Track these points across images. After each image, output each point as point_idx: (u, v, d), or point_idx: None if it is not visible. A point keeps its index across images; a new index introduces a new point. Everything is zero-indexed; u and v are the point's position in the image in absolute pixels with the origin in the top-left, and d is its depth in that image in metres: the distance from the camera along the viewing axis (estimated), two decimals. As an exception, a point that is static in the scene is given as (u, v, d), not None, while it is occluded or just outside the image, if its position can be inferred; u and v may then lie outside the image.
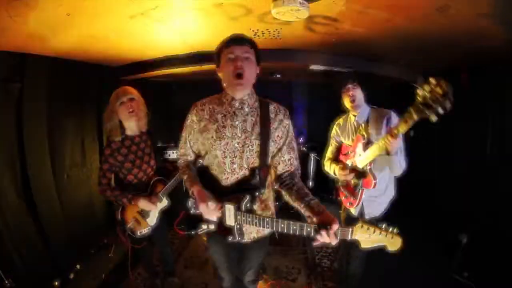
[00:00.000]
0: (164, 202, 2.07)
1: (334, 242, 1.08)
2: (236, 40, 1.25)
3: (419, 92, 1.19)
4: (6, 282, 1.87)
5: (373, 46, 2.36)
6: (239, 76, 1.22)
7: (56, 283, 2.23)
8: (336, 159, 2.10)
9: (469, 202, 2.69)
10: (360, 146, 1.82)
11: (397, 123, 1.44)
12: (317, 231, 1.09)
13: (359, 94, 1.87)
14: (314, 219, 1.13)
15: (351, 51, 2.62)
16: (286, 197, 1.32)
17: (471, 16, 1.58)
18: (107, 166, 1.96)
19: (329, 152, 2.16)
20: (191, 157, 1.46)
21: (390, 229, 1.10)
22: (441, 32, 1.87)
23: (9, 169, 2.14)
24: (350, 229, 1.10)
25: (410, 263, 2.47)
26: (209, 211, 1.26)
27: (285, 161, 1.34)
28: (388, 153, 1.63)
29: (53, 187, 2.49)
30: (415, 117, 1.26)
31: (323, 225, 1.08)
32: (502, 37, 1.87)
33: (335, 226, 1.07)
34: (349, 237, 1.10)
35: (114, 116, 1.92)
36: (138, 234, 2.06)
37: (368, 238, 1.10)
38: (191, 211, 1.43)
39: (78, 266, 2.49)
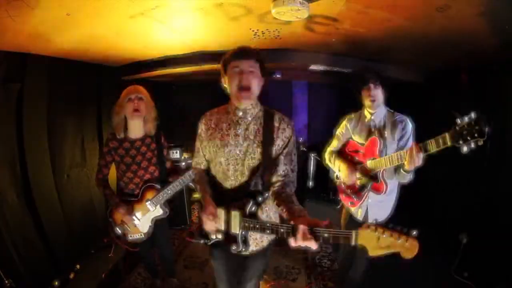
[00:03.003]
0: (158, 211, 2.01)
1: (313, 244, 1.00)
2: (242, 54, 1.28)
3: (459, 122, 1.28)
4: (6, 282, 1.87)
5: (373, 46, 2.36)
6: (245, 89, 1.27)
7: (56, 283, 2.23)
8: (340, 155, 2.03)
9: (469, 202, 2.69)
10: (375, 149, 1.79)
11: (426, 142, 1.46)
12: (293, 232, 1.03)
13: (380, 94, 1.82)
14: (292, 222, 1.07)
15: (351, 51, 2.62)
16: (274, 203, 1.31)
17: (471, 16, 1.58)
18: (103, 162, 2.00)
19: (333, 146, 2.08)
20: (204, 165, 1.51)
21: (405, 231, 0.92)
22: (441, 32, 1.86)
23: (9, 169, 2.14)
24: (354, 233, 0.95)
25: (410, 263, 2.47)
26: (208, 222, 1.30)
27: (279, 171, 1.33)
28: (404, 169, 1.62)
29: (53, 187, 2.49)
30: (449, 143, 1.34)
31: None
32: (502, 37, 1.87)
33: (304, 227, 0.99)
34: (353, 242, 0.96)
35: (121, 111, 1.93)
36: (129, 238, 2.03)
37: (376, 243, 0.93)
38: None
39: (78, 266, 2.49)
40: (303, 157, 4.19)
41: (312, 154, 4.05)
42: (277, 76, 3.79)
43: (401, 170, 1.65)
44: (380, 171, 1.77)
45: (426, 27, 1.80)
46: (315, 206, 3.47)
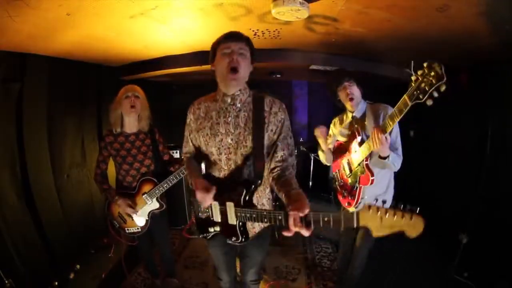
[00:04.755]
0: (154, 205, 2.07)
1: (304, 232, 0.98)
2: (233, 36, 1.26)
3: (413, 77, 1.20)
4: (6, 282, 1.87)
5: (373, 46, 2.36)
6: (234, 70, 1.22)
7: (56, 283, 2.23)
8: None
9: (469, 202, 2.69)
10: (355, 141, 1.79)
11: (391, 113, 1.44)
12: (286, 218, 1.00)
13: (356, 91, 1.83)
14: (289, 207, 1.03)
15: (351, 51, 2.62)
16: (274, 189, 1.29)
17: (471, 16, 1.58)
18: (101, 158, 2.07)
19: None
20: (194, 155, 1.51)
21: (408, 208, 0.87)
22: (441, 32, 1.87)
23: (9, 169, 2.14)
24: (355, 214, 0.91)
25: (410, 263, 2.48)
26: (205, 196, 1.24)
27: (277, 157, 1.30)
28: (380, 156, 1.61)
29: (53, 187, 2.50)
30: (410, 103, 1.26)
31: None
32: (502, 37, 1.87)
33: (305, 210, 0.96)
34: (355, 224, 0.93)
35: (118, 108, 2.02)
36: (126, 231, 2.10)
37: (379, 223, 0.89)
38: (199, 215, 1.45)
39: (78, 266, 2.48)
40: (303, 157, 4.19)
41: (312, 154, 4.05)
42: (277, 76, 3.79)
43: (378, 157, 1.63)
44: (364, 162, 1.74)
45: (426, 27, 1.80)
46: (315, 206, 3.45)
